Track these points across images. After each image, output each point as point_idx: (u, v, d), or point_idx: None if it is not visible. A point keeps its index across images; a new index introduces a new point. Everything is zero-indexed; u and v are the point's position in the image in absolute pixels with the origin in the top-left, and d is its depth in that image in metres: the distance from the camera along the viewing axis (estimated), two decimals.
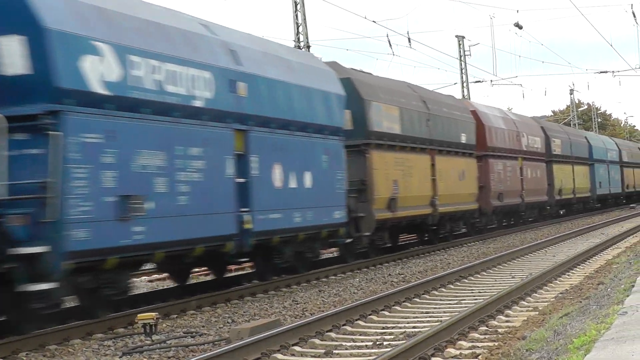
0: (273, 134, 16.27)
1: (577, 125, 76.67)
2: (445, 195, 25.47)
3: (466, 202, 27.54)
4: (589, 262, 19.03)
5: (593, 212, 47.68)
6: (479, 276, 17.12)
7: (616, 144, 58.00)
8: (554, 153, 40.23)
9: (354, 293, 15.48)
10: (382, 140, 21.58)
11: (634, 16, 67.59)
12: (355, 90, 20.79)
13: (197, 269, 18.28)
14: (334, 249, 22.07)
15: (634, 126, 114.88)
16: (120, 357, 10.14)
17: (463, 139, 27.57)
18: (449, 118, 26.62)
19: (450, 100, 28.51)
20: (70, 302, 12.54)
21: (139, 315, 11.50)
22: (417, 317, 12.14)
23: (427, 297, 14.23)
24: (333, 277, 18.31)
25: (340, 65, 21.22)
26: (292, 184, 16.85)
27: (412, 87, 25.45)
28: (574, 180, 43.39)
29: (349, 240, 19.83)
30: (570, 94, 79.41)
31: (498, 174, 31.13)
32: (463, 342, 9.63)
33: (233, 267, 19.47)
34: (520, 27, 43.05)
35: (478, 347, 9.37)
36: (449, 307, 12.93)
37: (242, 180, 15.13)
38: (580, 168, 45.10)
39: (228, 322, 12.51)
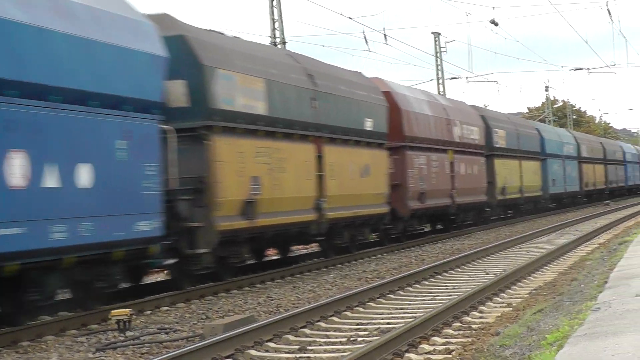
0: (8, 106, 10.59)
1: (552, 122, 74.70)
2: (338, 197, 19.79)
3: (372, 204, 21.79)
4: (563, 259, 19.20)
5: (546, 214, 42.33)
6: (453, 272, 17.35)
7: (574, 137, 52.73)
8: (497, 146, 34.57)
9: (328, 289, 15.43)
10: (234, 123, 15.77)
11: (609, 14, 63.77)
12: (191, 53, 15.08)
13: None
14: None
15: (609, 123, 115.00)
16: (93, 354, 10.01)
17: (368, 125, 21.79)
18: (348, 98, 20.83)
19: (354, 77, 22.49)
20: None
21: (112, 311, 11.41)
22: (391, 314, 12.24)
23: (402, 293, 14.36)
24: (308, 273, 18.30)
25: (172, 19, 15.48)
26: (51, 182, 11.18)
27: (294, 56, 19.58)
28: (522, 177, 37.78)
29: (170, 262, 14.18)
30: (546, 90, 77.57)
31: (419, 170, 25.39)
32: (437, 338, 9.78)
33: None
34: (496, 24, 42.92)
35: (452, 343, 9.51)
36: (423, 303, 13.06)
37: None
38: (529, 163, 39.56)
39: (202, 318, 12.47)
